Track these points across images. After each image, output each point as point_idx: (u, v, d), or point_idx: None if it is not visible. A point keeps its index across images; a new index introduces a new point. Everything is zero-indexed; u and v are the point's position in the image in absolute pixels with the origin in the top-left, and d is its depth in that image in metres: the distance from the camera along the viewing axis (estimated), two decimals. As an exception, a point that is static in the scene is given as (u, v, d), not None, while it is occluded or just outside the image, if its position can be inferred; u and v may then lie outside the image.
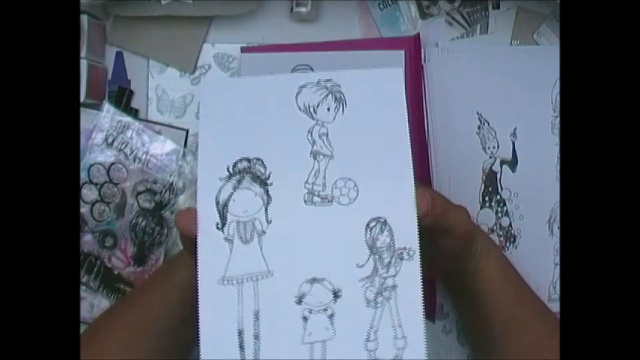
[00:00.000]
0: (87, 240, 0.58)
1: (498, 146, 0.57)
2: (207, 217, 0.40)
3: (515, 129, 0.57)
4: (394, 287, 0.40)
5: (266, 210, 0.41)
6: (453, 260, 0.48)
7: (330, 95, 0.42)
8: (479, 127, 0.57)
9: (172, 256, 0.57)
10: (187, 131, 0.59)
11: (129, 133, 0.58)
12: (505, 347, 0.49)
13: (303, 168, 0.41)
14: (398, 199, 0.41)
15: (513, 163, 0.57)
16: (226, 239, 0.40)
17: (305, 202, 0.41)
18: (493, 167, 0.57)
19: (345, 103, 0.42)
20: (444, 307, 0.58)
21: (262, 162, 0.41)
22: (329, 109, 0.42)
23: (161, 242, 0.58)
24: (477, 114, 0.57)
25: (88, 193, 0.58)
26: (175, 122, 0.59)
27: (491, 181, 0.57)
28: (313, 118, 0.42)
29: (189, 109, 0.59)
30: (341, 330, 0.39)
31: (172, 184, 0.57)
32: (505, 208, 0.57)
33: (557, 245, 0.57)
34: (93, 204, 0.58)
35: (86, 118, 0.57)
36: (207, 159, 0.42)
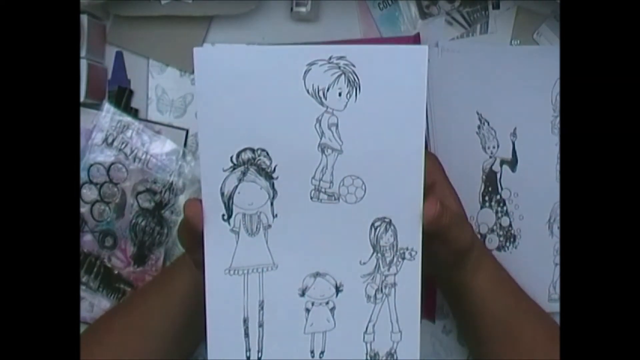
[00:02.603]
0: (87, 240, 0.58)
1: (498, 146, 0.57)
2: (212, 208, 0.40)
3: (515, 129, 0.57)
4: (394, 284, 0.41)
5: (272, 204, 0.40)
6: (443, 267, 0.48)
7: (343, 76, 0.39)
8: (479, 127, 0.57)
9: (173, 260, 0.56)
10: (187, 131, 0.59)
11: (128, 133, 0.58)
12: (496, 355, 0.49)
13: (310, 162, 0.40)
14: (405, 200, 0.40)
15: (513, 163, 0.57)
16: (232, 231, 0.41)
17: (311, 198, 0.40)
18: (493, 167, 0.57)
19: (359, 88, 0.39)
20: (444, 307, 0.58)
21: (267, 153, 0.40)
22: (340, 94, 0.39)
23: (161, 242, 0.58)
24: (477, 114, 0.57)
25: (88, 193, 0.58)
26: (175, 122, 0.59)
27: (491, 181, 0.57)
28: (322, 104, 0.39)
29: (189, 109, 0.59)
30: (341, 323, 0.41)
31: (172, 183, 0.57)
32: (505, 208, 0.57)
33: (557, 245, 0.57)
34: (93, 203, 0.58)
35: (86, 118, 0.57)
36: (208, 148, 0.40)
